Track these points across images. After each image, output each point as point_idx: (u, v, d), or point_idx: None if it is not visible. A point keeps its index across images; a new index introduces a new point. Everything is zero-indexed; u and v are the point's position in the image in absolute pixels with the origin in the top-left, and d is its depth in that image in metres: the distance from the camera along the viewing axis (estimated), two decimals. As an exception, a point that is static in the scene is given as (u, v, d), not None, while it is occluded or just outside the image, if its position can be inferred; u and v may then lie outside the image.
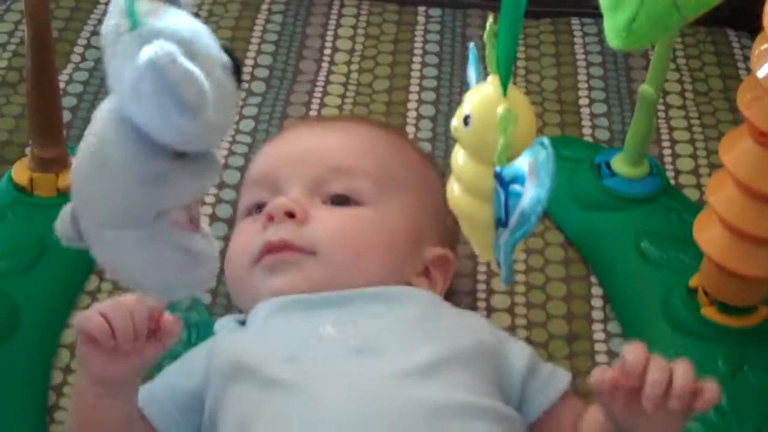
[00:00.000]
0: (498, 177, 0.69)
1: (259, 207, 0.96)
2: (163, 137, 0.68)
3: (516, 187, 0.68)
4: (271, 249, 0.91)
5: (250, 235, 0.94)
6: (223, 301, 1.02)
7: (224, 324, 0.92)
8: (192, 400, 0.85)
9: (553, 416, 0.87)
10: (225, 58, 0.70)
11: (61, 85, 1.20)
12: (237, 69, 0.71)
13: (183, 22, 0.68)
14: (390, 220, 0.94)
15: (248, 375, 0.82)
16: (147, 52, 0.65)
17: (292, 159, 0.97)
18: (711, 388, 0.75)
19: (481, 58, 0.74)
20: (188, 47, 0.67)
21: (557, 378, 0.89)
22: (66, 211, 0.72)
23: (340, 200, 0.94)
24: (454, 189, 0.74)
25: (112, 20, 0.68)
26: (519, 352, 0.89)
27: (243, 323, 0.91)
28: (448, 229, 0.98)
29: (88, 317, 0.77)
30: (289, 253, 0.91)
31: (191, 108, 0.65)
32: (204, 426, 0.84)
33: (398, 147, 1.02)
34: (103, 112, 0.70)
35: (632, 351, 0.75)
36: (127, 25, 0.67)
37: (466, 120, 0.70)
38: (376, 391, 0.80)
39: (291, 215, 0.92)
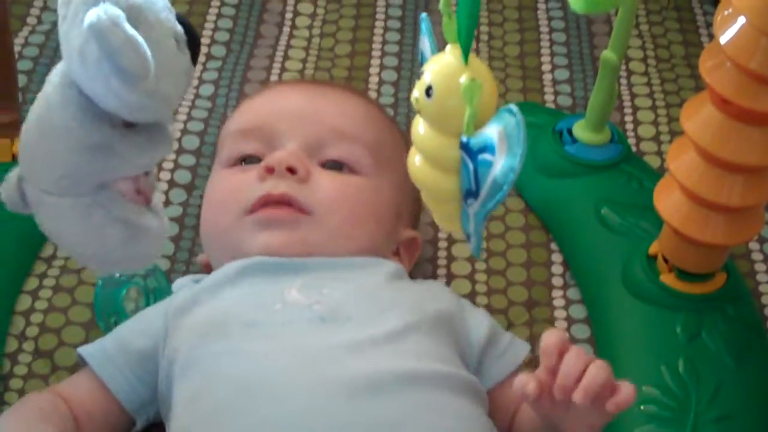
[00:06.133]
0: (465, 147, 0.69)
1: (245, 159, 0.94)
2: (108, 104, 0.67)
3: (486, 156, 0.67)
4: (269, 202, 0.89)
5: (241, 184, 0.91)
6: (182, 268, 1.01)
7: (183, 284, 0.90)
8: (146, 360, 0.84)
9: (503, 391, 0.86)
10: (179, 29, 0.69)
11: (17, 48, 1.18)
12: (193, 42, 0.69)
13: None
14: (381, 195, 0.92)
15: (207, 341, 0.81)
16: (90, 16, 0.63)
17: (289, 115, 0.94)
18: (626, 390, 0.73)
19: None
20: (138, 13, 0.66)
21: (514, 350, 0.88)
22: (12, 175, 0.71)
23: (336, 166, 0.92)
24: (415, 160, 0.73)
25: None
26: (479, 321, 0.88)
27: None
28: (418, 212, 0.98)
29: None
30: (287, 211, 0.88)
31: (131, 76, 0.64)
32: (160, 385, 0.84)
33: (389, 124, 1.01)
34: (53, 76, 0.69)
35: (551, 336, 0.74)
36: None
37: (428, 91, 0.70)
38: (337, 361, 0.79)
39: (292, 171, 0.90)
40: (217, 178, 0.95)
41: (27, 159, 0.69)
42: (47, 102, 0.68)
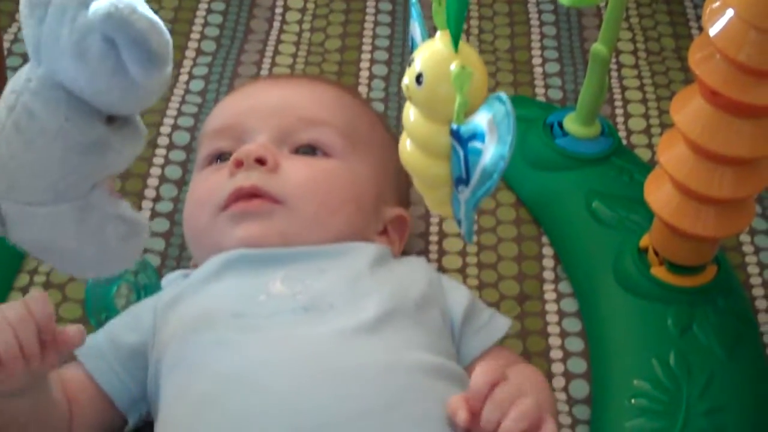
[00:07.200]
0: (455, 135, 0.69)
1: (220, 156, 0.94)
2: (109, 99, 0.66)
3: (476, 144, 0.67)
4: (241, 195, 0.89)
5: (215, 182, 0.91)
6: (172, 263, 1.01)
7: (173, 279, 0.90)
8: (136, 355, 0.84)
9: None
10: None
11: (6, 44, 1.18)
12: None
13: None
14: (358, 176, 0.92)
15: (195, 334, 0.81)
16: (100, 7, 0.63)
17: (258, 110, 0.94)
18: (548, 428, 0.74)
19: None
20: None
21: (492, 326, 0.89)
22: None
23: (308, 151, 0.93)
24: (407, 145, 0.74)
25: None
26: (458, 298, 0.89)
27: None
28: (404, 190, 0.98)
29: None
30: (259, 203, 0.88)
31: (160, 58, 0.64)
32: (149, 382, 0.84)
33: (361, 106, 1.01)
34: (25, 84, 0.67)
35: (480, 376, 0.75)
36: None
37: (418, 78, 0.70)
38: (323, 352, 0.79)
39: (261, 162, 0.90)
40: (194, 180, 0.96)
41: (7, 175, 0.68)
42: (27, 111, 0.66)
